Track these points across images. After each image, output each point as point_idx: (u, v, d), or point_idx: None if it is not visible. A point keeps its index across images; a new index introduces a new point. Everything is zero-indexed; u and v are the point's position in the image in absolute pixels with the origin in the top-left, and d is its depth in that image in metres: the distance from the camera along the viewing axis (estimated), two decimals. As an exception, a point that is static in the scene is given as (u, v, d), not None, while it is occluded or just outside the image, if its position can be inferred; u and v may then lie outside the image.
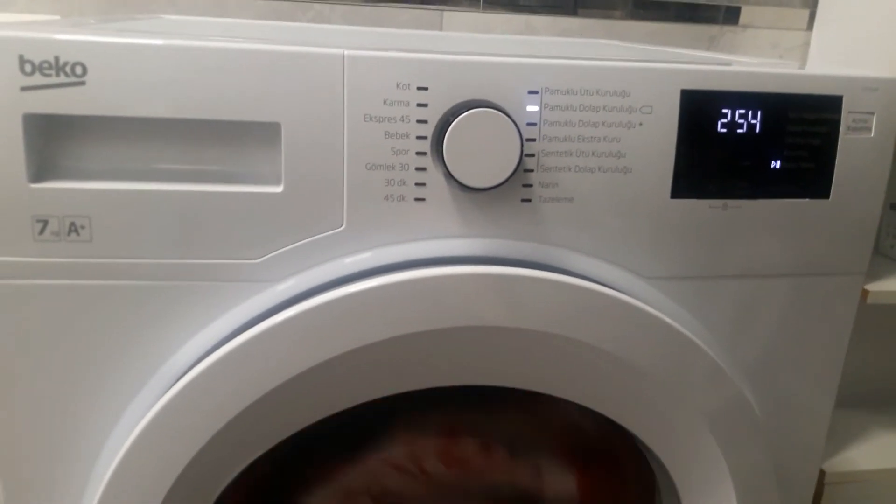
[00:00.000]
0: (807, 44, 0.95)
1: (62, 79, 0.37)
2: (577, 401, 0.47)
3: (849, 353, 0.79)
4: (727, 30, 0.93)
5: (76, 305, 0.40)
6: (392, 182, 0.41)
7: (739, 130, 0.44)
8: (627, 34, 0.91)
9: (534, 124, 0.41)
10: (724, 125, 0.44)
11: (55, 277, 0.40)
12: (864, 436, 0.74)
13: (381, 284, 0.40)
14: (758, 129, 0.44)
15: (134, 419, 0.42)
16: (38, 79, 0.36)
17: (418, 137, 0.41)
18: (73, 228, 0.39)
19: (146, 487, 0.41)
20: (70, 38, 0.37)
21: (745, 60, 0.55)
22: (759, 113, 0.44)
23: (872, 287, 0.62)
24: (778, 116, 0.45)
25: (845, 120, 0.46)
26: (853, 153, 0.47)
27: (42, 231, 0.39)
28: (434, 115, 0.40)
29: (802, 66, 0.48)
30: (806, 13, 0.95)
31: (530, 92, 0.41)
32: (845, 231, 0.48)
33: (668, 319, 0.44)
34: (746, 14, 0.94)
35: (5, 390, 0.41)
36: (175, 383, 0.40)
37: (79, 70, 0.37)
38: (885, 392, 0.83)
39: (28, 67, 0.36)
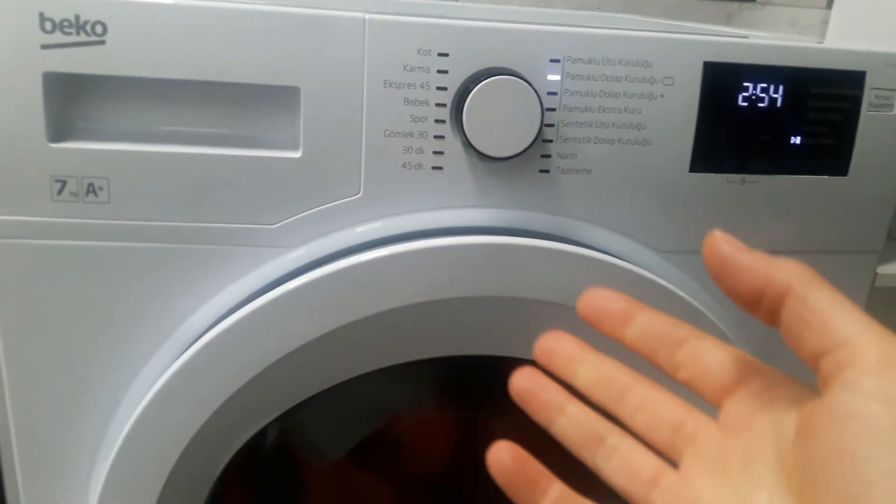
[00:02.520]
0: (825, 22, 0.94)
1: (82, 38, 0.36)
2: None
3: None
4: (745, 6, 0.92)
5: (93, 266, 0.40)
6: (410, 150, 0.41)
7: (761, 104, 0.44)
8: (645, 8, 0.89)
9: (554, 94, 0.41)
10: (745, 99, 0.43)
11: (72, 238, 0.40)
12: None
13: (392, 254, 0.40)
14: (779, 104, 0.44)
15: (148, 382, 0.42)
16: (58, 37, 0.36)
17: (437, 105, 0.40)
18: (92, 189, 0.39)
19: (159, 450, 0.41)
20: (90, -4, 0.36)
21: (765, 35, 0.54)
22: (780, 87, 0.44)
23: (882, 270, 0.62)
24: (799, 91, 0.44)
25: (867, 97, 0.45)
26: (874, 131, 0.46)
27: (60, 191, 0.38)
28: (454, 83, 0.40)
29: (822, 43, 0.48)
30: (825, -9, 0.93)
31: (552, 60, 0.41)
32: (862, 209, 0.48)
33: (679, 292, 0.44)
34: (764, -10, 0.92)
35: (20, 351, 0.41)
36: (189, 347, 0.41)
37: (99, 29, 0.36)
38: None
39: (48, 25, 0.36)
